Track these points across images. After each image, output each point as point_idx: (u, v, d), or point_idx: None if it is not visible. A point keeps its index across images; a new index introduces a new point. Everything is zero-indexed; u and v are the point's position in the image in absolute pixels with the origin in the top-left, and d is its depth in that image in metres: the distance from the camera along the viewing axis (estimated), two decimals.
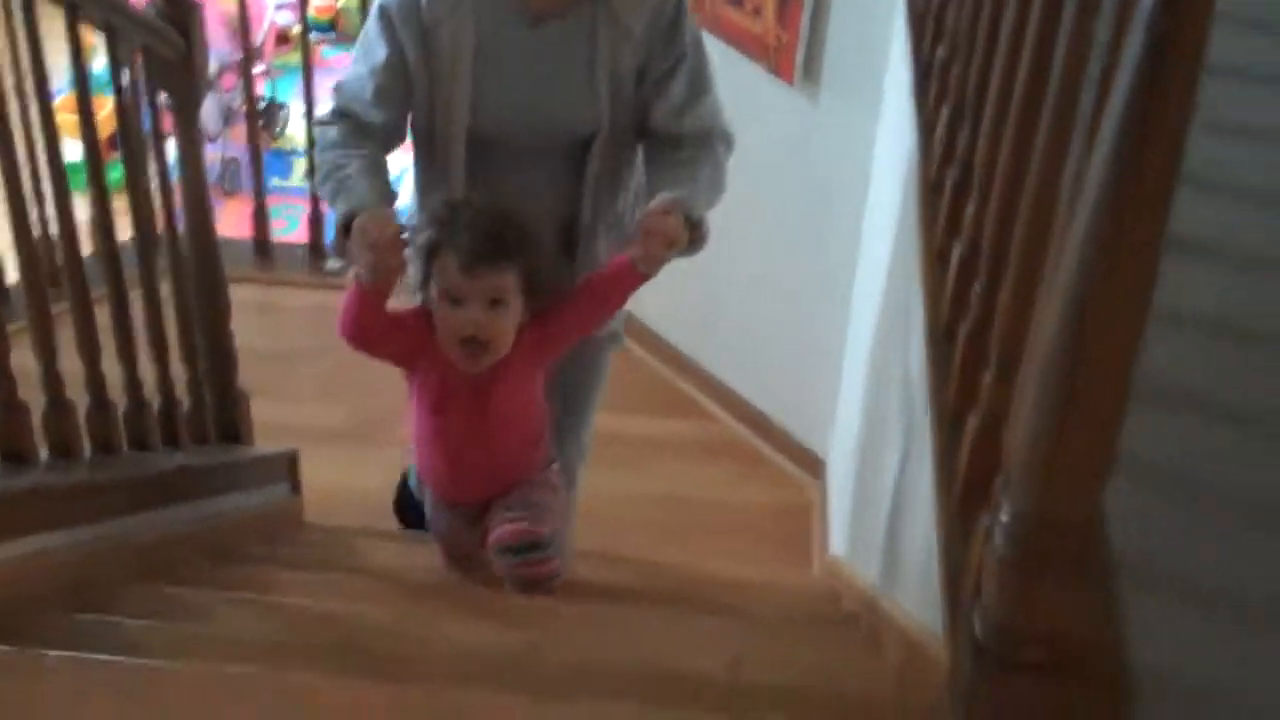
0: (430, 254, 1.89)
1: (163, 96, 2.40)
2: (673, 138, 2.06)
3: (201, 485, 2.49)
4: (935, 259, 1.68)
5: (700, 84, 2.04)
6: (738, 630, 2.08)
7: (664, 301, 3.71)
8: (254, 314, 3.49)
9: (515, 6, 1.95)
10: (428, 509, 2.27)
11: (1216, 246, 1.64)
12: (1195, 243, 1.57)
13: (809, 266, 3.22)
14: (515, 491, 2.08)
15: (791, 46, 2.94)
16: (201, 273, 2.60)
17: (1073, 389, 1.00)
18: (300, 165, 5.40)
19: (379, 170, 1.99)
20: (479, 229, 1.86)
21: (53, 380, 2.02)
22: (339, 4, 6.47)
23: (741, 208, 3.32)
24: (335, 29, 6.40)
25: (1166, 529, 1.36)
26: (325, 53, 6.11)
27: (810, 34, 2.90)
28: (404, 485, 2.71)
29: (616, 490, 3.35)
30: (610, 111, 1.99)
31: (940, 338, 1.57)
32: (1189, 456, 1.42)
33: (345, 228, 1.87)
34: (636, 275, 1.92)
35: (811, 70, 2.95)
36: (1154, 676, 1.21)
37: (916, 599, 1.81)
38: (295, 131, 5.46)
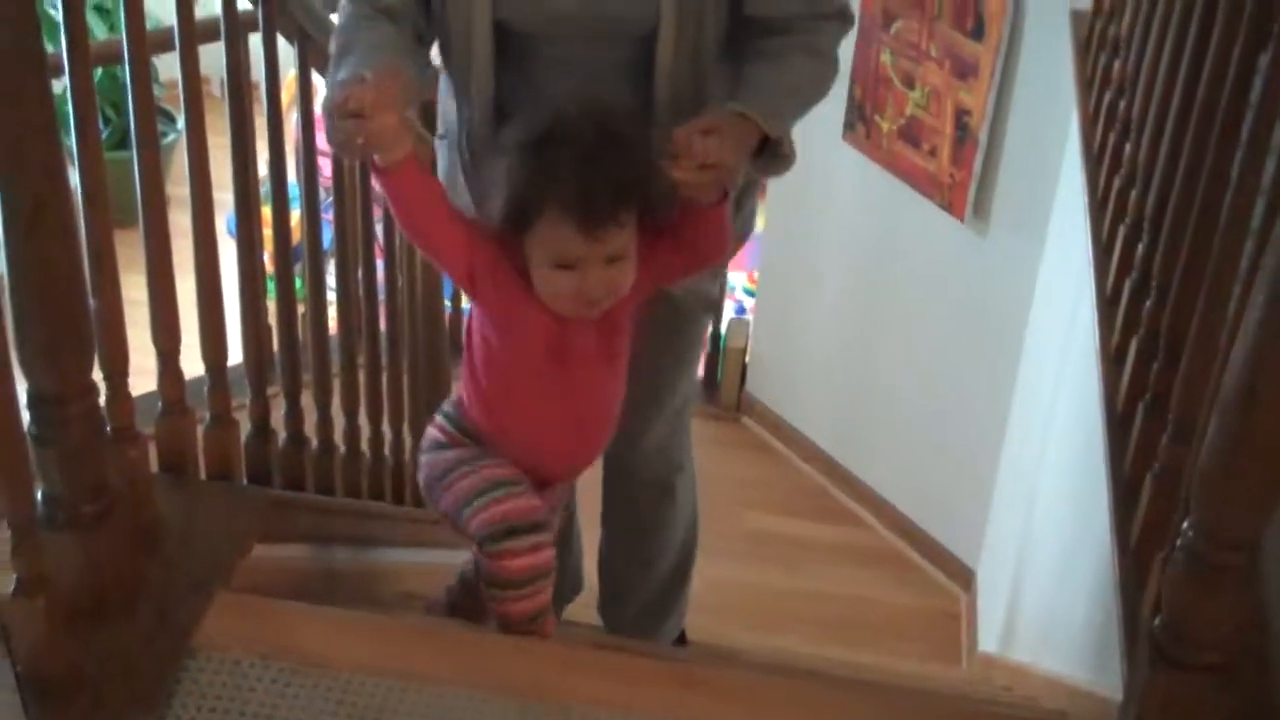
0: (518, 199, 1.46)
1: None
2: (764, 20, 1.61)
3: (402, 536, 2.79)
4: (1111, 358, 1.93)
5: None
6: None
7: (823, 413, 3.99)
8: None
9: None
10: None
11: None
12: None
13: (968, 387, 3.46)
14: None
15: (964, 185, 3.24)
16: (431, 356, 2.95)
17: (1249, 426, 1.24)
18: None
19: (389, 46, 1.56)
20: (595, 172, 1.42)
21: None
22: None
23: (906, 330, 3.63)
24: None
25: None
26: None
27: (982, 174, 3.19)
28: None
29: (766, 585, 3.57)
30: None
31: (1117, 421, 1.82)
32: None
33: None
34: (700, 208, 1.51)
35: (982, 207, 3.24)
36: None
37: (1071, 658, 2.03)
38: None
